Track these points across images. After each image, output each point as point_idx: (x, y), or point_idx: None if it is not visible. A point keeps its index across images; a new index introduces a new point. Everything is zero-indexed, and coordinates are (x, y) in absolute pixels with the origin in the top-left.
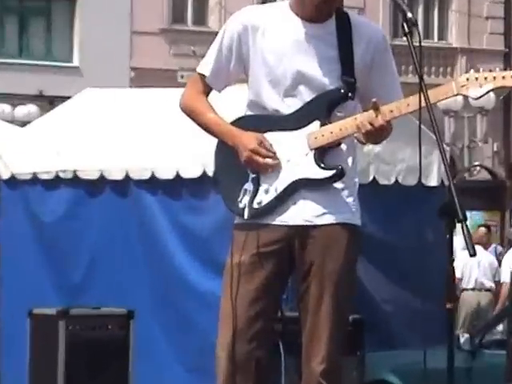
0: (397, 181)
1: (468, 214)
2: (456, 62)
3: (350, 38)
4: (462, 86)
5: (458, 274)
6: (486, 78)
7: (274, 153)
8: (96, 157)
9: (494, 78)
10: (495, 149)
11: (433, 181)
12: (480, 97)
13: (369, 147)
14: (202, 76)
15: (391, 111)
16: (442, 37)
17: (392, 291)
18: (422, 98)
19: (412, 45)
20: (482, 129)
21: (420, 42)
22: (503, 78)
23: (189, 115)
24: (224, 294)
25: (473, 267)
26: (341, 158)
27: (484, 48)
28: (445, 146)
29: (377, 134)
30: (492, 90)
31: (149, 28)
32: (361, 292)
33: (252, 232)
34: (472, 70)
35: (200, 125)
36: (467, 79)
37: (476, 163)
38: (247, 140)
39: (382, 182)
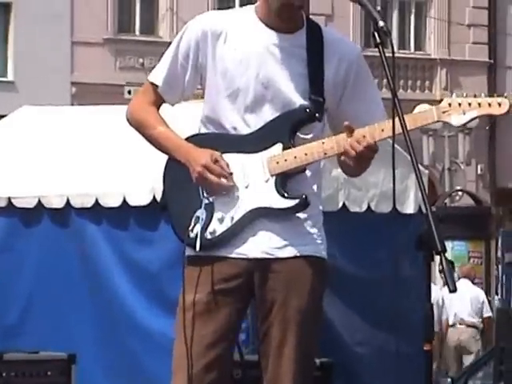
0: (369, 208)
1: (450, 244)
2: (435, 75)
3: (321, 53)
4: (444, 112)
5: None
6: (469, 105)
7: (231, 173)
8: (33, 182)
9: (479, 104)
10: (479, 171)
11: (409, 208)
12: (463, 125)
13: (338, 171)
14: (154, 86)
15: (364, 136)
16: (419, 47)
17: (364, 331)
18: (398, 122)
19: (384, 57)
20: (464, 149)
21: (393, 53)
22: (489, 105)
23: (136, 128)
24: (177, 338)
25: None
26: (305, 185)
27: (466, 59)
28: (423, 168)
29: (352, 162)
30: (476, 117)
31: (92, 38)
32: (329, 332)
33: (206, 267)
34: (454, 95)
35: (149, 139)
36: (449, 105)
37: (458, 188)
38: (200, 155)
39: (353, 209)
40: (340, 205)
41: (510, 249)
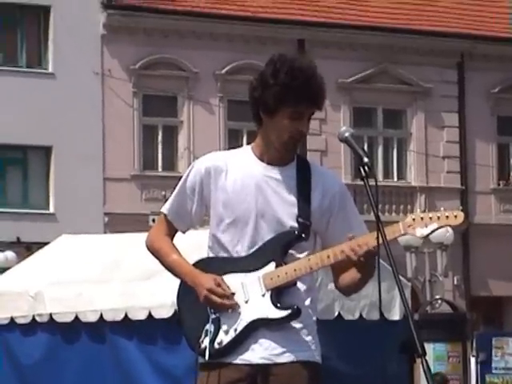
0: (361, 316)
1: (431, 345)
2: (415, 200)
3: (309, 183)
4: (409, 226)
5: None
6: (430, 218)
7: (233, 293)
8: (71, 300)
9: (438, 217)
10: (455, 282)
11: (395, 315)
12: (426, 236)
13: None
14: (166, 216)
15: (342, 251)
16: (401, 176)
17: None
18: (378, 238)
19: (369, 187)
20: (442, 263)
21: (376, 184)
22: (447, 217)
23: (154, 255)
24: None
25: None
26: (297, 297)
27: (441, 186)
28: (406, 281)
29: (356, 271)
30: (437, 229)
31: (121, 174)
32: None
33: (213, 372)
34: (418, 210)
35: (164, 265)
36: (413, 219)
37: (437, 297)
38: (205, 280)
39: (347, 317)
40: (336, 314)
41: (484, 349)
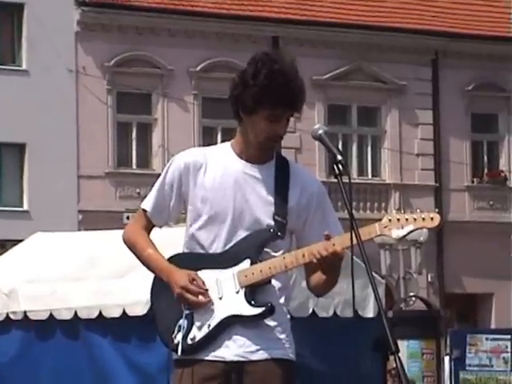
0: (335, 313)
1: (405, 342)
2: (390, 197)
3: (287, 182)
4: (385, 227)
5: None
6: (407, 220)
7: (206, 290)
8: (45, 297)
9: (415, 219)
10: (429, 279)
11: (369, 312)
12: (402, 237)
13: None
14: (145, 211)
15: (318, 251)
16: (375, 173)
17: None
18: (351, 237)
19: (343, 185)
20: (416, 260)
21: (350, 180)
22: (423, 219)
23: (130, 249)
24: None
25: None
26: (271, 295)
27: (416, 183)
28: (380, 278)
29: (322, 271)
30: (413, 230)
31: (95, 172)
32: None
33: (187, 368)
34: (394, 211)
35: (140, 259)
36: (390, 220)
37: (411, 294)
38: (179, 277)
39: (321, 314)
40: (310, 311)
41: (458, 346)
